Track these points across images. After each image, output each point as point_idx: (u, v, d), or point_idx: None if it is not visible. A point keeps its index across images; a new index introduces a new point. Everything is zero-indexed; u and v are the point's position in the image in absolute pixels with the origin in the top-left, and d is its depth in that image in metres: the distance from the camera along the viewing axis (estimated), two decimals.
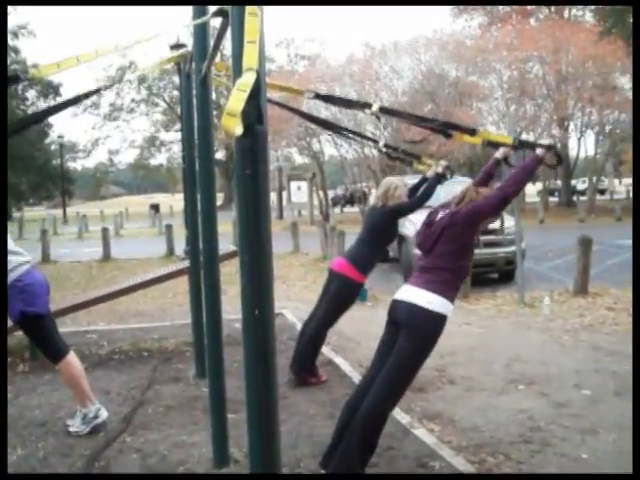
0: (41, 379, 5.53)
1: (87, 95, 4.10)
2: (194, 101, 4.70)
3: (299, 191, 29.03)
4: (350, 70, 27.85)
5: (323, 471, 3.38)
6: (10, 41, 20.32)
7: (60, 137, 43.22)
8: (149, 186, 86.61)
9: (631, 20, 20.31)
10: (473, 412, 4.50)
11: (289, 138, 29.10)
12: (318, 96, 3.26)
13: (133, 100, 49.28)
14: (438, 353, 5.87)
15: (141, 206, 50.05)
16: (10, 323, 5.88)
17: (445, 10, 56.31)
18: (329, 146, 31.04)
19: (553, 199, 38.44)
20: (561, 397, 4.76)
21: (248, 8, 1.77)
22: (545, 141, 3.83)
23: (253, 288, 1.76)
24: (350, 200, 38.42)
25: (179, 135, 48.71)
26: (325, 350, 5.88)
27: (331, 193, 38.63)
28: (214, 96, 27.07)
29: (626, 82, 26.33)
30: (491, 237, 10.00)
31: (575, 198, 35.00)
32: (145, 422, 4.40)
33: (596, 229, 17.16)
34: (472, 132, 2.85)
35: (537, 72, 28.07)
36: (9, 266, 4.00)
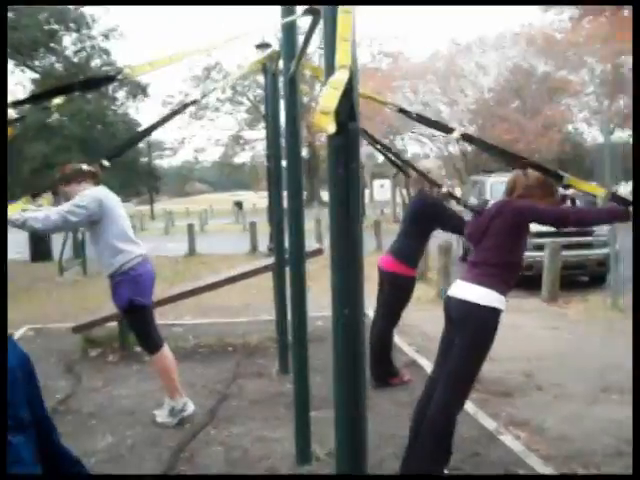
0: (130, 369, 5.71)
1: (193, 102, 4.24)
2: (280, 100, 4.76)
3: (382, 189, 28.91)
4: (434, 67, 27.50)
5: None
6: (101, 42, 21.15)
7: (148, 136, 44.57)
8: (233, 184, 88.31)
9: None
10: (562, 420, 4.33)
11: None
12: (401, 110, 3.21)
13: (218, 99, 50.36)
14: (525, 357, 5.70)
15: (225, 203, 51.15)
16: (100, 315, 6.16)
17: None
18: (412, 144, 30.77)
19: None
20: None
21: (341, 7, 1.75)
22: None
23: (343, 287, 1.74)
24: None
25: (263, 133, 49.54)
26: (408, 350, 5.82)
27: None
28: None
29: None
30: (581, 238, 9.65)
31: None
32: (229, 416, 4.47)
33: None
34: (559, 178, 2.68)
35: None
36: (126, 256, 4.17)
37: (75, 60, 20.33)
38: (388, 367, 5.07)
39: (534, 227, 3.22)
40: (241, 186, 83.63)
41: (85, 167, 4.17)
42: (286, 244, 3.80)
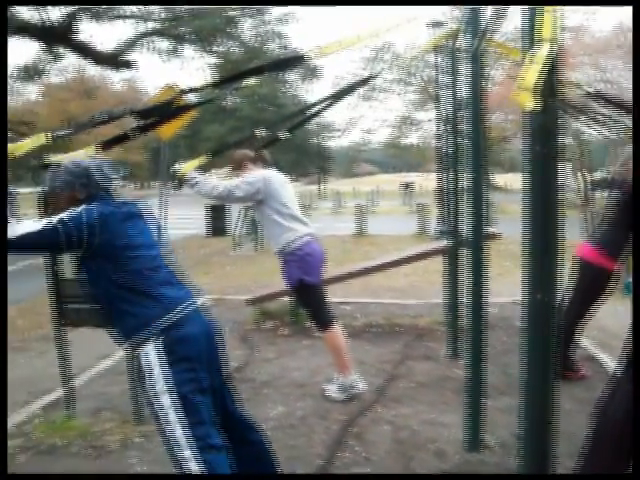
0: (300, 343, 5.91)
1: (365, 81, 4.26)
2: (458, 78, 4.64)
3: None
4: (619, 41, 25.47)
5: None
6: (275, 27, 21.78)
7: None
8: (400, 165, 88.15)
9: None
10: None
11: None
12: (589, 94, 2.97)
13: (386, 80, 50.29)
14: None
15: (391, 184, 51.19)
16: (273, 290, 6.42)
17: None
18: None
19: None
20: None
21: None
22: None
23: (536, 272, 1.66)
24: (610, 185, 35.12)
25: (432, 114, 48.72)
26: (588, 344, 5.50)
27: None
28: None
29: None
30: None
31: None
32: (397, 396, 4.49)
33: None
34: None
35: None
36: (292, 235, 4.33)
37: (251, 45, 21.11)
38: (564, 359, 4.81)
39: None
40: (408, 167, 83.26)
41: (253, 153, 4.42)
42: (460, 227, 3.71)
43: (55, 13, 18.11)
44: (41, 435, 4.00)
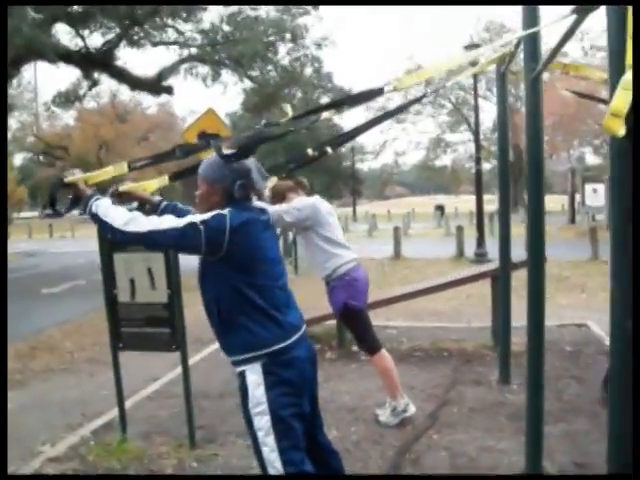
0: (348, 367, 5.88)
1: (411, 103, 4.28)
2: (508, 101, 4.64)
3: (595, 194, 27.09)
4: None
5: None
6: (314, 51, 22.02)
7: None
8: (431, 187, 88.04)
9: None
10: None
11: (582, 137, 27.33)
12: None
13: (419, 102, 50.37)
14: None
15: (424, 207, 51.02)
16: (317, 314, 6.41)
17: None
18: None
19: None
20: None
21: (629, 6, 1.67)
22: None
23: (626, 298, 1.64)
24: None
25: (464, 136, 48.57)
26: None
27: None
28: None
29: None
30: None
31: None
32: (450, 422, 4.44)
33: None
34: None
35: None
36: (339, 260, 4.35)
37: (289, 69, 21.39)
38: None
39: None
40: (440, 189, 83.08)
41: (292, 182, 4.44)
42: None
43: (95, 40, 18.63)
44: (97, 458, 4.03)
